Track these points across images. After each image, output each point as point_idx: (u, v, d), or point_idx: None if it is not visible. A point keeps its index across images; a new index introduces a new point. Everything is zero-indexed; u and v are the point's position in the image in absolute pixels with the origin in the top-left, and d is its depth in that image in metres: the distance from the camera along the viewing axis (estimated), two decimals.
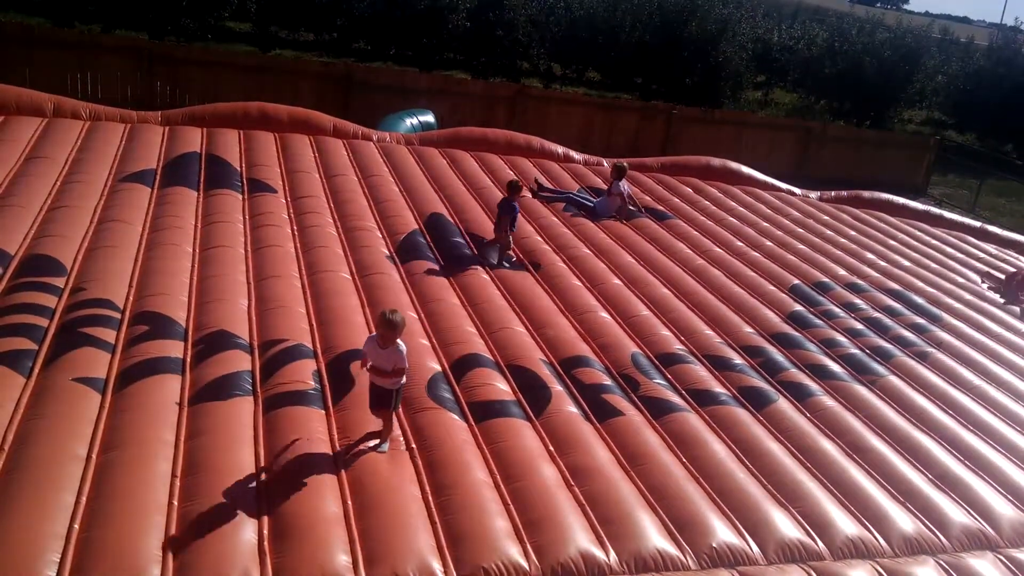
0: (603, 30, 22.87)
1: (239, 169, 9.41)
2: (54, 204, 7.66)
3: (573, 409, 5.71)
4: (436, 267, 7.77)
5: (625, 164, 10.69)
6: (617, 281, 8.07)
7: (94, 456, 4.51)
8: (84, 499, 4.20)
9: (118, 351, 5.55)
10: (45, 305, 5.89)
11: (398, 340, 4.85)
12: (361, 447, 4.93)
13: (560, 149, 12.29)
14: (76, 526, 4.02)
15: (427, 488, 4.69)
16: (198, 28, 19.94)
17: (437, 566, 4.16)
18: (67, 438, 4.56)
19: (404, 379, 4.96)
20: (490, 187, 10.31)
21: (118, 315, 5.96)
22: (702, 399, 6.14)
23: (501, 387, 5.85)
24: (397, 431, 5.14)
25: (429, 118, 14.89)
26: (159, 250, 7.08)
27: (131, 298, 6.24)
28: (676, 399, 6.09)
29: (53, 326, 5.68)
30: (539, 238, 8.91)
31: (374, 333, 5.01)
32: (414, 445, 5.05)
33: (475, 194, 10.00)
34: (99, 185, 8.27)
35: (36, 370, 5.16)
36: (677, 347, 6.91)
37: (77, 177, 8.31)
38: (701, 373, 6.53)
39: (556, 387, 5.95)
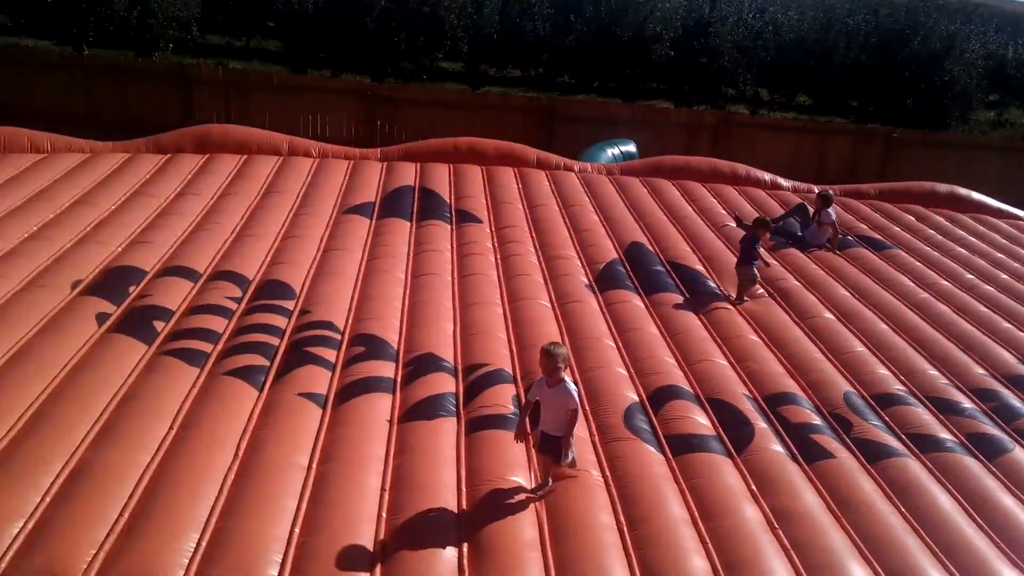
0: (815, 53, 21.91)
1: (448, 201, 9.89)
2: (287, 234, 8.41)
3: (778, 448, 5.44)
4: (635, 296, 7.73)
5: (831, 192, 10.12)
6: (829, 315, 7.63)
7: (314, 466, 4.86)
8: (304, 506, 4.52)
9: (337, 370, 5.97)
10: (277, 326, 6.45)
11: (565, 377, 4.54)
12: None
13: (767, 176, 11.88)
14: (296, 531, 4.34)
15: (621, 520, 4.63)
16: (415, 69, 21.29)
17: None
18: (291, 449, 4.95)
19: (575, 427, 4.59)
20: (692, 216, 10.15)
21: (338, 336, 6.42)
22: (924, 444, 5.63)
23: (700, 420, 5.69)
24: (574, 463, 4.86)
25: (631, 148, 14.92)
26: (375, 276, 7.57)
27: (350, 321, 6.71)
28: (894, 443, 5.63)
29: (283, 345, 6.21)
30: None
31: (541, 378, 4.71)
32: (608, 474, 5.01)
33: (676, 223, 9.87)
34: (325, 216, 8.99)
35: (267, 384, 5.65)
36: (896, 387, 6.40)
37: (306, 209, 9.09)
38: (924, 416, 6.00)
39: (760, 424, 5.69)
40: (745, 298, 7.82)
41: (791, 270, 8.70)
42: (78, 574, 3.88)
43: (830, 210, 9.62)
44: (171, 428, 5.02)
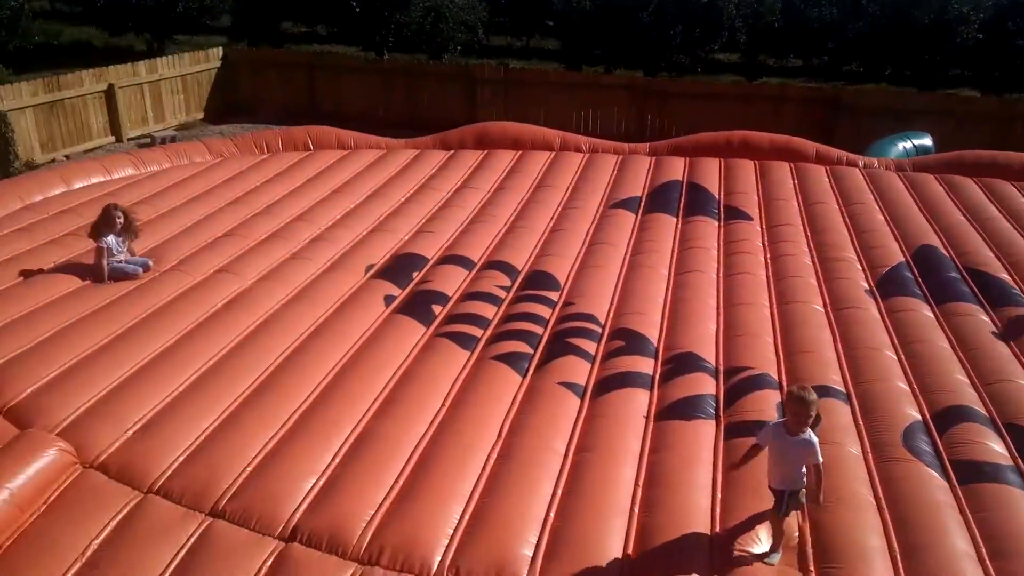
0: None
1: (717, 196, 9.63)
2: (555, 227, 8.67)
3: None
4: (924, 305, 7.03)
5: None
6: None
7: (570, 454, 4.98)
8: (559, 491, 4.66)
9: (597, 361, 6.06)
10: (541, 315, 6.69)
11: (809, 429, 4.05)
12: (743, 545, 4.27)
13: None
14: (552, 515, 4.48)
15: (894, 545, 4.25)
16: (690, 62, 20.97)
17: None
18: (550, 434, 5.11)
19: (804, 480, 4.09)
20: (997, 217, 9.01)
21: (599, 329, 6.52)
22: None
23: (995, 447, 5.06)
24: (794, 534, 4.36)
25: (926, 141, 13.55)
26: (638, 271, 7.58)
27: (611, 314, 6.78)
28: None
29: (546, 334, 6.43)
30: None
31: (780, 419, 4.25)
32: (881, 495, 4.62)
33: (978, 225, 8.82)
34: (591, 211, 9.15)
35: (530, 371, 5.88)
36: None
37: (575, 203, 9.32)
38: None
39: None
40: None
41: None
42: (357, 531, 4.30)
43: None
44: (443, 405, 5.40)
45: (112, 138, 15.24)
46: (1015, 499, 4.61)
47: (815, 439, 4.06)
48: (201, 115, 17.55)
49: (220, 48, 18.51)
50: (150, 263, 7.19)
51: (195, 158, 10.57)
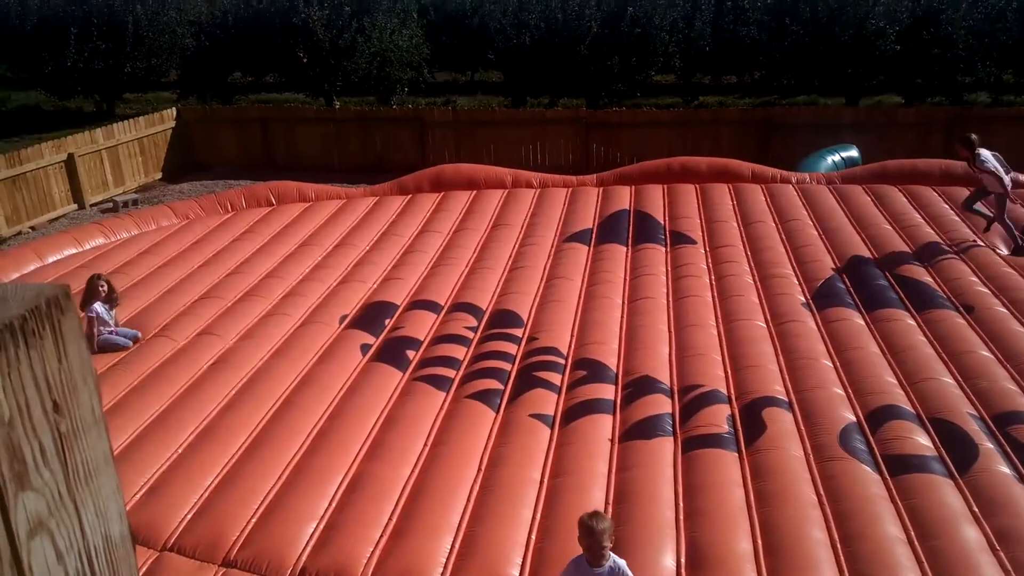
0: None
1: (663, 223, 10.29)
2: (514, 265, 9.23)
3: (1005, 469, 5.34)
4: (855, 314, 7.71)
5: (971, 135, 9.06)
6: None
7: (546, 480, 5.50)
8: (539, 516, 5.17)
9: (563, 392, 6.60)
10: (508, 352, 7.22)
11: (613, 556, 3.87)
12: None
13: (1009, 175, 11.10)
14: (533, 537, 4.99)
15: (835, 536, 4.83)
16: (629, 88, 21.81)
17: None
18: (526, 465, 5.62)
19: None
20: (921, 224, 9.79)
21: (563, 361, 7.07)
22: None
23: (921, 441, 5.69)
24: None
25: (853, 153, 14.40)
26: (595, 302, 8.15)
27: (573, 346, 7.33)
28: None
29: (514, 370, 6.95)
30: (974, 279, 8.26)
31: (579, 556, 4.05)
32: (822, 493, 5.21)
33: (903, 233, 9.58)
34: (547, 246, 9.73)
35: (503, 406, 6.40)
36: None
37: (530, 240, 9.89)
38: None
39: (986, 444, 5.59)
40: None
41: None
42: (359, 568, 4.76)
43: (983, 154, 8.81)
44: (426, 445, 5.89)
45: (75, 205, 15.51)
46: (939, 486, 5.23)
47: (622, 563, 3.94)
48: (159, 175, 17.86)
49: (174, 109, 18.85)
50: (139, 335, 7.57)
51: (162, 222, 10.95)
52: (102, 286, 7.47)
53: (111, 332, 7.40)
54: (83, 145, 15.53)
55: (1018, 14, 20.24)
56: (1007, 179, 9.05)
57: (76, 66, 21.95)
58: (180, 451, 5.84)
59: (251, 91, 26.87)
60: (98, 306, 7.35)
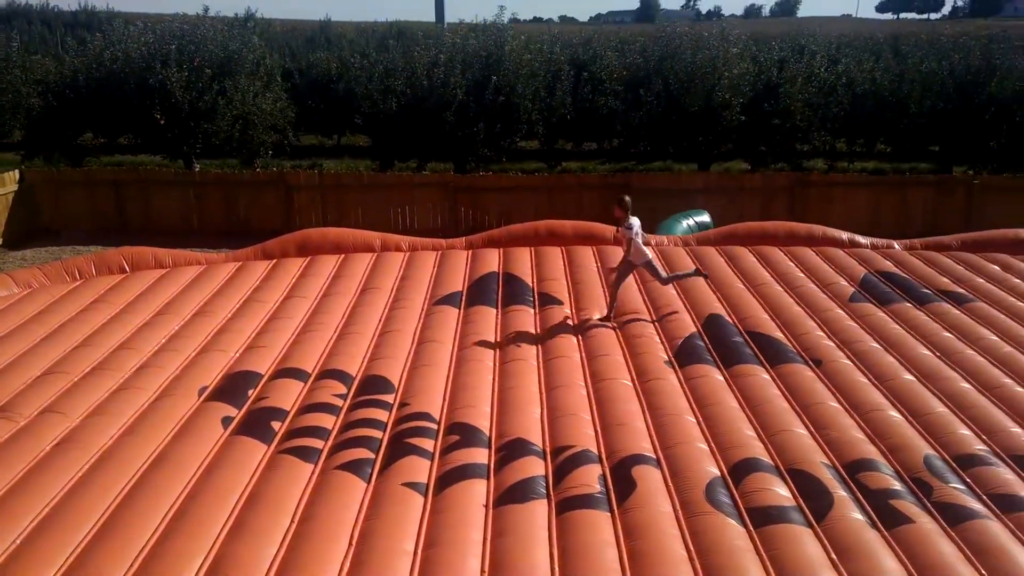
0: (890, 103, 21.91)
1: (531, 284, 10.45)
2: (384, 329, 9.10)
3: (858, 516, 5.63)
4: (715, 370, 8.03)
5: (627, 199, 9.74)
6: (909, 376, 7.75)
7: (419, 551, 5.35)
8: None
9: (435, 458, 6.49)
10: (379, 419, 7.06)
11: None
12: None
13: (844, 235, 12.01)
14: None
15: None
16: (494, 154, 22.33)
17: None
18: (399, 536, 5.45)
19: None
20: (770, 282, 10.39)
21: (435, 426, 6.97)
22: (1007, 504, 5.71)
23: (781, 492, 5.93)
24: None
25: (705, 218, 15.27)
26: (466, 365, 8.13)
27: (445, 410, 7.26)
28: (976, 505, 5.73)
29: (385, 437, 6.79)
30: (821, 333, 8.81)
31: None
32: (692, 548, 5.32)
33: (754, 291, 10.13)
34: (417, 309, 9.67)
35: (374, 476, 6.22)
36: (978, 447, 6.49)
37: (400, 304, 9.80)
38: (1006, 476, 6.07)
39: (839, 492, 5.89)
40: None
41: (870, 330, 8.83)
42: None
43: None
44: (292, 522, 5.62)
45: None
46: (799, 535, 5.44)
47: None
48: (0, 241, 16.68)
49: (18, 172, 17.74)
50: None
51: (0, 292, 10.18)
52: None
53: None
54: None
55: (847, 88, 22.19)
56: (647, 251, 9.49)
57: None
58: (18, 542, 5.33)
59: (103, 153, 25.71)
60: None
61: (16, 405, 7.16)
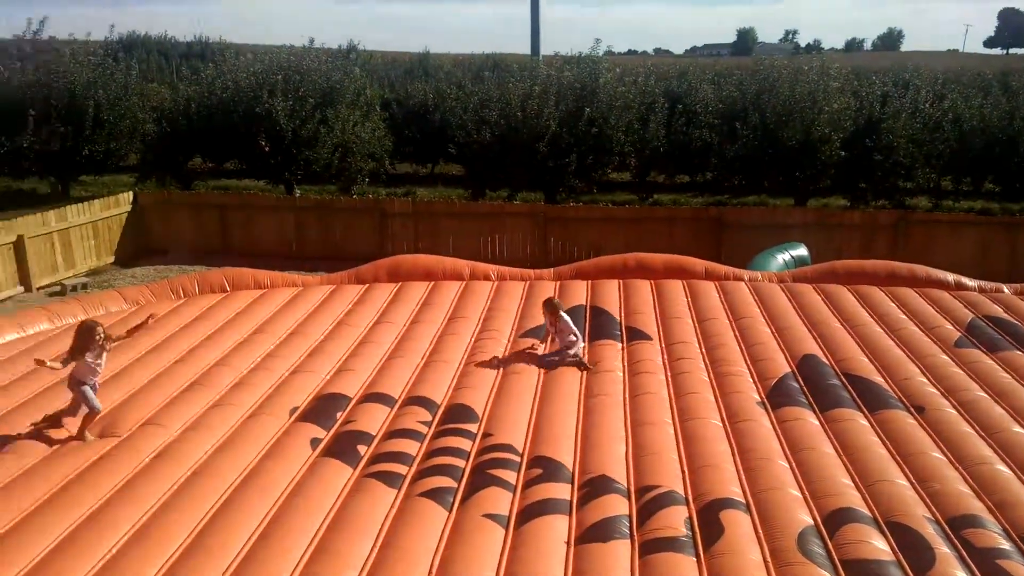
0: (999, 140, 20.94)
1: (619, 318, 10.34)
2: (470, 359, 9.15)
3: (961, 575, 5.30)
4: (809, 413, 7.74)
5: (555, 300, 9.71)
6: (1019, 429, 7.28)
7: None
8: None
9: (517, 491, 6.43)
10: (462, 448, 7.06)
11: None
12: None
13: (950, 276, 11.47)
14: None
15: None
16: (586, 186, 22.35)
17: None
18: (478, 567, 5.41)
19: None
20: (870, 323, 9.99)
21: (518, 458, 6.93)
22: None
23: (878, 545, 5.63)
24: None
25: (802, 251, 14.82)
26: (551, 399, 8.07)
27: (528, 443, 7.21)
28: None
29: (468, 467, 6.79)
30: (924, 379, 8.39)
31: None
32: None
33: (852, 332, 9.76)
34: (503, 340, 9.69)
35: (455, 505, 6.21)
36: None
37: (487, 334, 9.84)
38: None
39: (942, 549, 5.56)
40: None
41: (978, 379, 8.37)
42: None
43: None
44: (374, 547, 5.66)
45: (21, 288, 15.13)
46: None
47: None
48: (112, 259, 17.59)
49: (131, 193, 18.75)
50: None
51: (111, 307, 10.70)
52: (99, 335, 7.15)
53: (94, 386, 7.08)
54: (34, 227, 15.27)
55: (954, 124, 21.34)
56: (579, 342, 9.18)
57: (32, 148, 21.79)
58: (114, 552, 5.52)
59: (211, 177, 26.92)
60: (89, 357, 7.05)
61: (117, 416, 7.47)
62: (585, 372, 8.71)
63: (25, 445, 6.92)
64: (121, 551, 5.54)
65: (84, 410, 7.15)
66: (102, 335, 7.20)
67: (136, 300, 10.94)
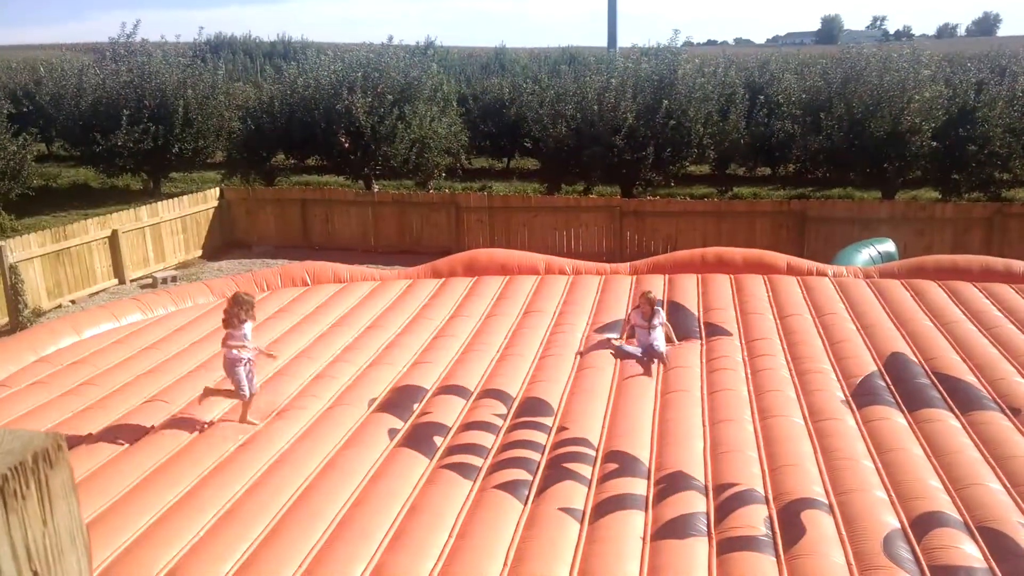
0: None
1: (697, 314, 10.18)
2: (545, 352, 9.15)
3: None
4: (897, 413, 7.47)
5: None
6: None
7: None
8: None
9: (593, 485, 6.41)
10: (537, 442, 7.07)
11: None
12: None
13: None
14: None
15: None
16: (663, 179, 22.06)
17: None
18: (553, 561, 5.42)
19: None
20: (962, 320, 9.59)
21: (593, 452, 6.90)
22: None
23: (969, 551, 5.41)
24: None
25: (889, 247, 14.28)
26: (627, 394, 8.01)
27: (603, 437, 7.17)
28: None
29: (543, 460, 6.79)
30: (1020, 379, 8.00)
31: None
32: None
33: (943, 329, 9.38)
34: (578, 334, 9.65)
35: (530, 498, 6.22)
36: None
37: (562, 328, 9.82)
38: None
39: None
40: None
41: None
42: None
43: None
44: (450, 537, 5.72)
45: (115, 280, 15.83)
46: None
47: None
48: (199, 253, 18.24)
49: (218, 189, 19.39)
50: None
51: (198, 299, 11.09)
52: (248, 307, 7.43)
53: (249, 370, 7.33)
54: (127, 222, 15.96)
55: None
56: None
57: (126, 146, 22.75)
58: (202, 534, 5.73)
59: (293, 173, 27.58)
60: (247, 327, 7.31)
61: (204, 405, 7.74)
62: (662, 367, 8.61)
63: (154, 437, 7.22)
64: (212, 530, 5.75)
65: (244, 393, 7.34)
66: (253, 306, 7.42)
67: (223, 293, 11.29)
